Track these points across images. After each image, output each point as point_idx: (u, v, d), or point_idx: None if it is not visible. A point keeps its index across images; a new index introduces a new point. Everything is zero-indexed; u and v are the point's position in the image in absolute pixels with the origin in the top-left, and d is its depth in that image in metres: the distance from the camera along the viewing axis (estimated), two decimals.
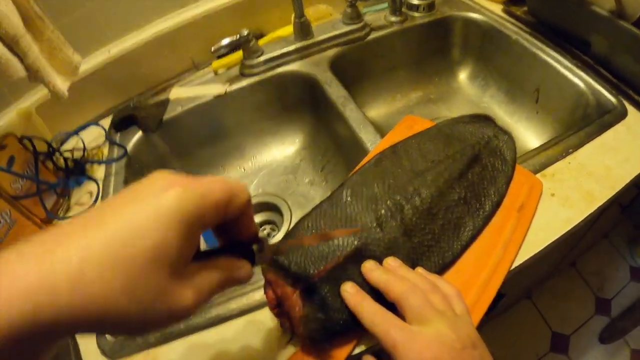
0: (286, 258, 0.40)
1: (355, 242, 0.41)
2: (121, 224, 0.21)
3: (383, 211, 0.43)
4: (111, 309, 0.20)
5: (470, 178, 0.48)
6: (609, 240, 1.37)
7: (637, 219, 1.28)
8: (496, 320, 1.19)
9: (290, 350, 0.41)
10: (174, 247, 0.22)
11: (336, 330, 0.38)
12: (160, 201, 0.22)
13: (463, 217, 0.45)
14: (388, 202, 0.44)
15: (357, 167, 0.51)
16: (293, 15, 0.71)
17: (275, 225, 0.73)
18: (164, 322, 0.23)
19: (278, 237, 0.70)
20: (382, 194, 0.45)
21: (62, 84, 0.58)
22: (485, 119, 0.56)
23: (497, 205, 0.47)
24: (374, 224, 0.42)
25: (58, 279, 0.19)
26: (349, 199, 0.45)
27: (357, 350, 0.40)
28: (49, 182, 0.58)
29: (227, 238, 0.29)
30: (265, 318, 0.44)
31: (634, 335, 1.16)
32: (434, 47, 0.84)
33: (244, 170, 0.79)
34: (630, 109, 0.58)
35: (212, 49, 0.66)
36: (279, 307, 0.38)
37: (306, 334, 0.37)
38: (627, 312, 1.16)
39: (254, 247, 0.29)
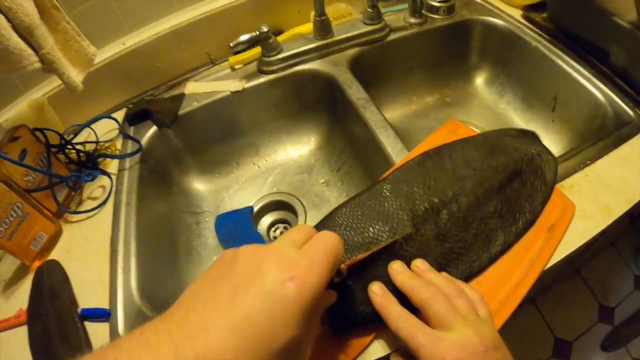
0: None
1: (390, 239, 0.41)
2: (251, 322, 0.22)
3: (420, 212, 0.44)
4: None
5: (508, 193, 0.48)
6: (615, 248, 1.38)
7: None
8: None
9: None
10: (302, 334, 0.24)
11: (357, 322, 0.39)
12: (285, 298, 0.23)
13: (495, 231, 0.45)
14: (426, 204, 0.44)
15: (399, 164, 0.52)
16: (313, 13, 0.71)
17: (288, 224, 0.73)
18: None
19: None
20: (421, 194, 0.45)
21: (76, 76, 0.56)
22: (532, 136, 0.56)
23: (530, 223, 0.47)
24: (410, 223, 0.43)
25: None
26: (388, 194, 0.46)
27: (377, 345, 0.40)
28: (61, 175, 0.57)
29: None
30: None
31: (636, 344, 1.17)
32: (452, 50, 0.83)
33: (259, 167, 0.79)
34: None
35: (231, 44, 0.66)
36: None
37: (328, 320, 0.39)
38: (630, 320, 1.18)
39: (335, 279, 0.32)
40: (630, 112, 0.59)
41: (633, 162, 0.54)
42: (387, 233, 0.42)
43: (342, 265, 0.35)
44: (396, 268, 0.39)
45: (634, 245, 1.37)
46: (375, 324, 0.38)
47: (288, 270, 0.25)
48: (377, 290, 0.38)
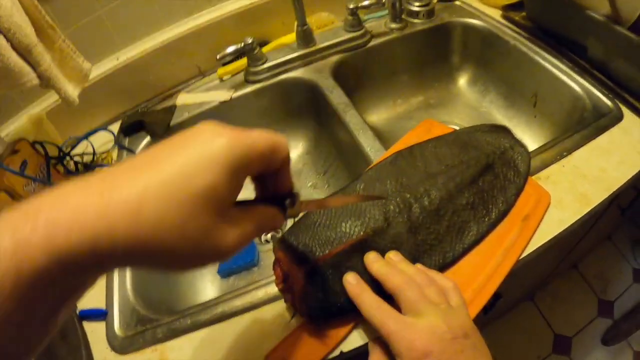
0: (295, 239, 0.43)
1: (362, 233, 0.43)
2: (175, 167, 0.22)
3: (392, 207, 0.45)
4: (164, 244, 0.21)
5: (480, 185, 0.49)
6: (612, 242, 1.37)
7: (637, 221, 1.28)
8: (498, 321, 1.20)
9: (292, 324, 0.44)
10: (222, 190, 0.23)
11: (333, 311, 0.40)
12: (211, 147, 0.23)
13: (468, 222, 0.47)
14: (398, 199, 0.46)
15: (374, 164, 0.54)
16: (296, 23, 0.73)
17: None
18: (208, 259, 0.24)
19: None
20: (393, 190, 0.47)
21: (72, 91, 0.60)
22: (504, 130, 0.57)
23: (504, 214, 0.48)
24: (382, 218, 0.44)
25: (117, 213, 0.20)
26: (361, 191, 0.48)
27: (355, 335, 0.42)
28: None
29: (263, 189, 0.30)
30: (268, 315, 0.45)
31: (637, 337, 1.16)
32: (434, 53, 0.85)
33: None
34: (626, 112, 0.59)
35: (218, 56, 0.68)
36: (284, 283, 0.41)
37: (305, 311, 0.40)
38: (630, 314, 1.17)
39: (287, 201, 0.30)
40: (609, 103, 0.60)
41: (611, 151, 0.55)
42: (359, 227, 0.44)
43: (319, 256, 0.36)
44: (372, 258, 0.41)
45: (631, 238, 1.36)
46: (352, 313, 0.39)
47: (220, 131, 0.24)
48: (351, 280, 0.39)
